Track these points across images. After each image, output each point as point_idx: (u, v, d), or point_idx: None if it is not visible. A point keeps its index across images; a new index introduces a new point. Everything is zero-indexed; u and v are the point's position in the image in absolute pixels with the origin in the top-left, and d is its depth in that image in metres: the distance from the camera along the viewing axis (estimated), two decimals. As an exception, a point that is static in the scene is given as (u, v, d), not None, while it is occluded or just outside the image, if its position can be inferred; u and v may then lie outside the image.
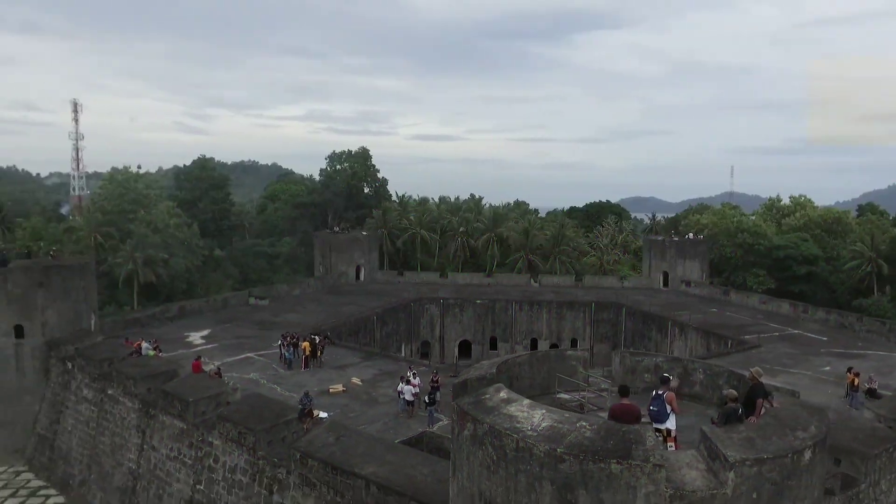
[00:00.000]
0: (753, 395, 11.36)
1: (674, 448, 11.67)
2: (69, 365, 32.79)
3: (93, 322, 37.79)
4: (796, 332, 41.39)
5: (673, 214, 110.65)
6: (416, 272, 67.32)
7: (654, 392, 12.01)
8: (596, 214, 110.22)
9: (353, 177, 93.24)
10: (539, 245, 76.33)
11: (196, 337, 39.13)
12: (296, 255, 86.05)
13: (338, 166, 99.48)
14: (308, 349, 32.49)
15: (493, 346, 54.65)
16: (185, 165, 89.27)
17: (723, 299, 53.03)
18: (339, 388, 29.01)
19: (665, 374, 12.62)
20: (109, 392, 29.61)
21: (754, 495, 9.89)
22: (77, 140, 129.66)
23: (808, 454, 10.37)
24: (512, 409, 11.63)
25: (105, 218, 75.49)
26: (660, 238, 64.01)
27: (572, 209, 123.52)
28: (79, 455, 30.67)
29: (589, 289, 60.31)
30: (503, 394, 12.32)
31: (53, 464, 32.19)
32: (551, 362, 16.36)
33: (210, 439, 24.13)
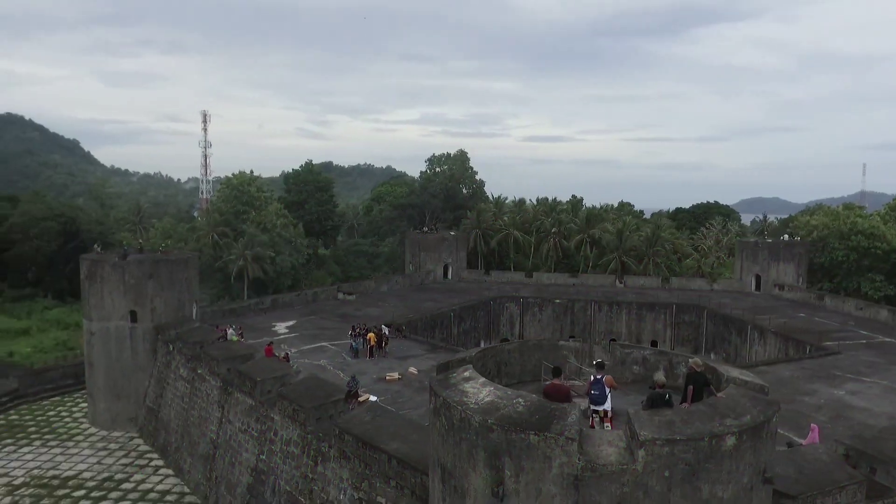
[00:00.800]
0: (689, 383, 11.85)
1: (610, 428, 12.39)
2: (170, 347, 37.23)
3: (194, 310, 42.37)
4: (888, 340, 38.47)
5: (791, 215, 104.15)
6: (501, 271, 68.49)
7: (592, 377, 12.76)
8: (703, 216, 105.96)
9: (450, 178, 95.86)
10: (632, 247, 74.98)
11: (281, 327, 42.76)
12: (395, 254, 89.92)
13: (437, 169, 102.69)
14: (373, 340, 34.86)
15: (572, 345, 54.64)
16: (293, 170, 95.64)
17: (816, 304, 49.83)
18: (396, 375, 31.00)
19: (601, 360, 13.32)
20: (199, 371, 33.45)
21: (666, 473, 10.53)
22: (205, 148, 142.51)
23: (730, 440, 10.82)
24: (467, 386, 12.89)
25: (221, 218, 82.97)
26: (752, 240, 60.97)
27: (678, 210, 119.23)
28: (175, 425, 34.84)
29: (675, 291, 58.70)
30: (467, 373, 13.57)
31: (157, 432, 36.70)
32: (543, 351, 17.27)
33: (272, 415, 26.92)
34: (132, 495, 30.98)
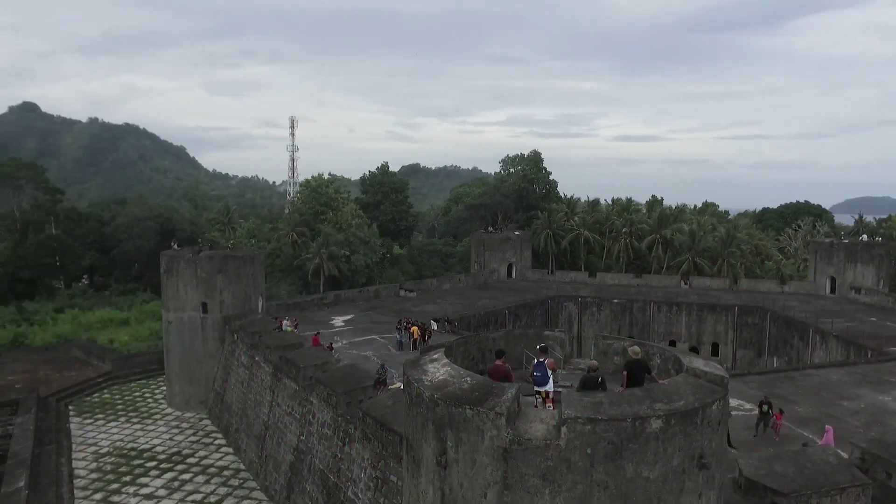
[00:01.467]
0: (626, 369, 12.41)
1: (552, 408, 13.08)
2: (235, 336, 40.32)
3: (260, 304, 45.50)
4: (964, 348, 35.75)
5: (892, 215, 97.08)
6: (565, 271, 68.35)
7: (535, 360, 13.48)
8: (791, 216, 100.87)
9: (522, 179, 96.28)
10: (706, 248, 72.72)
11: (339, 320, 45.11)
12: (468, 254, 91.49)
13: (511, 169, 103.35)
14: (417, 333, 36.32)
15: (631, 346, 53.92)
16: (369, 172, 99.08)
17: (893, 308, 46.59)
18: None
19: (544, 345, 13.99)
20: (256, 359, 36.17)
21: (588, 450, 11.19)
22: (293, 151, 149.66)
23: (656, 423, 11.31)
24: (430, 366, 14.00)
25: (301, 219, 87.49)
26: (827, 240, 57.60)
27: (764, 211, 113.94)
28: (236, 408, 37.78)
29: (742, 293, 56.56)
30: (436, 356, 14.65)
31: (222, 414, 39.87)
32: (528, 340, 18.01)
33: (311, 399, 28.96)
34: (195, 468, 34.02)
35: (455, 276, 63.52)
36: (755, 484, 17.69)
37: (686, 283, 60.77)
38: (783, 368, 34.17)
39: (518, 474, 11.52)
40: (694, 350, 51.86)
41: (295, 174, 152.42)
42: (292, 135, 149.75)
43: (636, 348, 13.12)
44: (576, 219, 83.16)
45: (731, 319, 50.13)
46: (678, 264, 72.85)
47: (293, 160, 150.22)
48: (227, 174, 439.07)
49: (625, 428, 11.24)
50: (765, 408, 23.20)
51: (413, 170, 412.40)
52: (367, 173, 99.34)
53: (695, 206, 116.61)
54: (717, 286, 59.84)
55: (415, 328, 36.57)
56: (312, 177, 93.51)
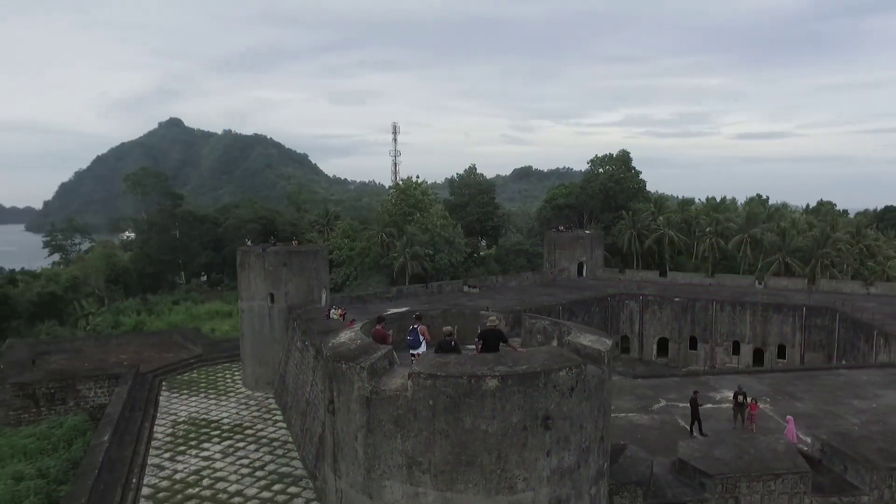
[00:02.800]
0: (480, 337, 13.97)
1: None
2: (294, 324, 44.36)
3: (324, 296, 49.41)
4: None
5: None
6: (636, 270, 67.37)
7: (410, 327, 15.18)
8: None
9: (609, 179, 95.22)
10: (798, 248, 68.81)
11: (391, 312, 48.00)
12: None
13: (600, 170, 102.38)
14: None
15: (693, 345, 52.56)
16: (457, 174, 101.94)
17: None
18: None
19: (418, 313, 15.62)
20: (305, 343, 39.83)
21: (431, 402, 12.92)
22: (395, 156, 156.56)
23: (492, 382, 12.79)
24: (342, 334, 16.23)
25: (390, 219, 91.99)
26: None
27: (886, 210, 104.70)
28: (291, 387, 41.71)
29: (824, 293, 53.16)
30: (357, 327, 16.86)
31: (282, 393, 44.04)
32: (465, 318, 19.60)
33: (335, 378, 31.89)
34: (250, 438, 38.17)
35: (522, 274, 64.71)
36: (686, 465, 18.28)
37: (761, 284, 58.07)
38: (809, 367, 32.82)
39: (377, 420, 13.48)
40: (759, 351, 49.92)
41: (397, 178, 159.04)
42: (394, 140, 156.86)
43: (493, 318, 14.66)
44: (660, 218, 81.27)
45: (798, 320, 47.60)
46: (767, 264, 69.49)
47: (395, 164, 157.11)
48: (345, 179, 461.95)
49: (461, 384, 12.86)
50: (739, 398, 23.14)
51: (525, 172, 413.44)
52: (455, 175, 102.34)
53: (808, 206, 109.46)
54: (794, 286, 56.70)
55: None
56: (401, 180, 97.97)
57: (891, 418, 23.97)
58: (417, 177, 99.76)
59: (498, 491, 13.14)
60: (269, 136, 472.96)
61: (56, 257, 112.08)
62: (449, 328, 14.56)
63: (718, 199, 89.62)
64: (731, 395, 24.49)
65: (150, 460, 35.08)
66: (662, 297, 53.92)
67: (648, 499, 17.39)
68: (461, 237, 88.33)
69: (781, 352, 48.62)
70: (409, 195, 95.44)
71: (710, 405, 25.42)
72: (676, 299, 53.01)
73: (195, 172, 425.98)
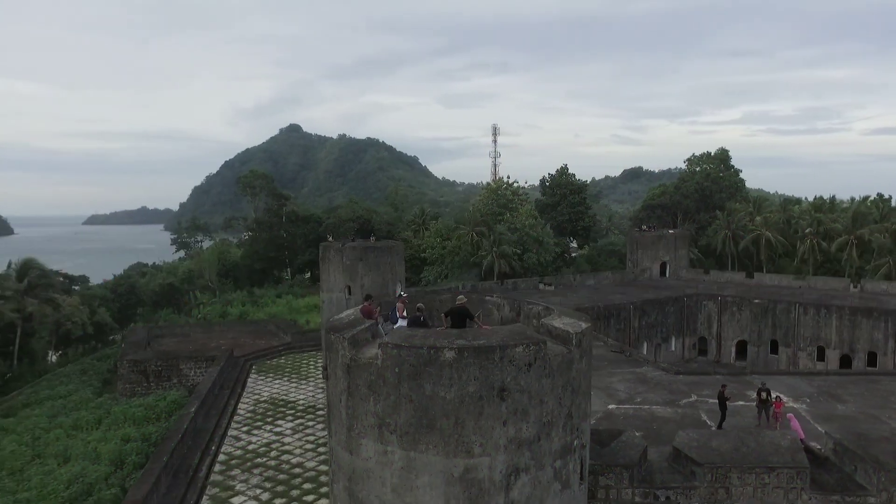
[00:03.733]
0: (447, 314, 15.33)
1: None
2: (366, 313, 47.15)
3: (398, 289, 51.93)
4: None
5: None
6: (720, 271, 64.79)
7: (394, 305, 16.65)
8: None
9: (705, 178, 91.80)
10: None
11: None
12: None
13: (697, 168, 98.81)
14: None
15: (774, 349, 49.98)
16: (549, 174, 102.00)
17: None
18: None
19: (401, 293, 16.98)
20: (371, 331, 42.39)
21: (397, 370, 14.48)
22: (495, 158, 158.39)
23: (449, 353, 14.17)
24: (345, 312, 18.14)
25: (481, 219, 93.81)
26: None
27: None
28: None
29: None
30: (356, 308, 18.72)
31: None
32: (472, 302, 20.81)
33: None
34: (319, 417, 41.31)
35: (602, 274, 64.23)
36: (680, 454, 18.68)
37: (856, 287, 54.13)
38: (867, 371, 30.92)
39: (355, 384, 15.26)
40: (846, 358, 47.02)
41: (495, 178, 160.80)
42: (494, 142, 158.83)
43: (462, 297, 15.90)
44: (757, 219, 77.48)
45: (892, 326, 44.16)
46: (876, 268, 64.53)
47: (495, 166, 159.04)
48: (454, 181, 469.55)
49: (422, 354, 14.35)
50: (763, 395, 22.75)
51: (634, 173, 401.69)
52: (547, 175, 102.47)
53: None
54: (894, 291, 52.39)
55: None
56: (492, 181, 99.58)
57: None
58: (508, 177, 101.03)
59: (456, 454, 14.50)
60: (381, 140, 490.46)
61: (182, 253, 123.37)
62: (421, 305, 16.06)
63: (827, 199, 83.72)
64: (763, 393, 24.01)
65: (230, 432, 39.02)
66: (741, 299, 51.81)
67: (635, 482, 17.97)
68: (550, 237, 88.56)
69: (872, 359, 45.30)
70: (500, 195, 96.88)
71: (741, 402, 25.06)
72: (756, 301, 50.77)
73: (312, 175, 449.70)
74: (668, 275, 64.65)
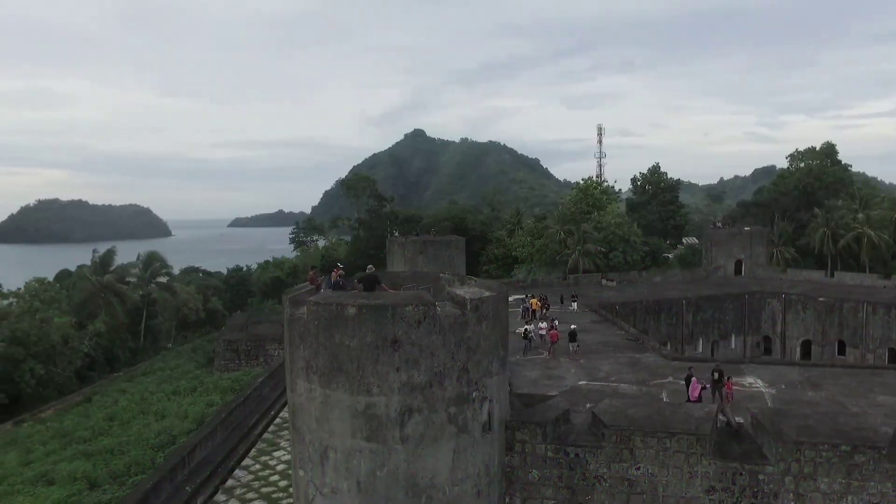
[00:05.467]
0: (359, 280, 18.65)
1: None
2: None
3: (458, 281, 55.36)
4: None
5: None
6: (799, 270, 61.73)
7: (357, 278, 20.06)
8: None
9: (807, 175, 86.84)
10: None
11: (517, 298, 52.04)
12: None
13: (801, 164, 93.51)
14: (535, 304, 41.69)
15: (842, 350, 47.46)
16: (640, 173, 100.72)
17: None
18: (532, 329, 37.34)
19: (337, 265, 20.29)
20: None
21: (316, 323, 18.05)
22: (600, 158, 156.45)
23: (351, 310, 17.54)
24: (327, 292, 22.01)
25: (569, 217, 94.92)
26: None
27: None
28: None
29: None
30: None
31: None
32: (430, 279, 23.78)
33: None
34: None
35: (670, 271, 63.72)
36: (595, 418, 20.78)
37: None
38: (878, 366, 29.88)
39: (294, 335, 19.07)
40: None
41: (603, 179, 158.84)
42: (599, 143, 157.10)
43: (371, 267, 19.16)
44: (859, 216, 72.54)
45: (964, 327, 40.94)
46: None
47: (601, 166, 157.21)
48: (576, 182, 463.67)
49: (332, 310, 17.87)
50: (715, 375, 23.77)
51: (767, 172, 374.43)
52: (639, 174, 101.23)
53: None
54: None
55: (534, 300, 42.07)
56: (581, 181, 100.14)
57: None
58: (598, 176, 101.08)
59: (359, 392, 17.86)
60: (502, 143, 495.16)
61: (299, 252, 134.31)
62: (339, 272, 19.55)
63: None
64: (753, 381, 24.95)
65: (291, 401, 44.42)
66: (806, 297, 49.83)
67: (548, 439, 20.29)
68: (638, 235, 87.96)
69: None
70: (589, 194, 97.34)
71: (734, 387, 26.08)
72: (821, 299, 48.65)
73: (435, 178, 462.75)
74: (743, 273, 62.84)
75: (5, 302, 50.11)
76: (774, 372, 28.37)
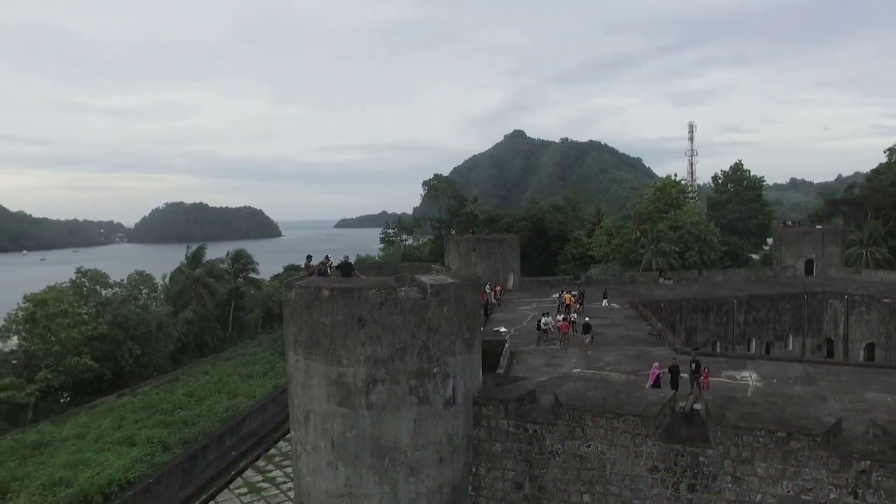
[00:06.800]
0: (338, 267, 21.45)
1: None
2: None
3: (511, 279, 57.34)
4: None
5: None
6: (875, 271, 58.06)
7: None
8: None
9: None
10: None
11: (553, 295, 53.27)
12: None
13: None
14: (569, 300, 42.97)
15: (907, 355, 44.72)
16: (721, 171, 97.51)
17: None
18: (549, 321, 38.95)
19: (326, 255, 23.07)
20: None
21: (301, 303, 21.14)
22: (691, 156, 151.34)
23: (325, 292, 20.47)
24: (314, 278, 25.22)
25: (645, 217, 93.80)
26: None
27: None
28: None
29: None
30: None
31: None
32: (422, 268, 26.19)
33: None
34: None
35: (735, 270, 62.15)
36: (557, 399, 22.60)
37: None
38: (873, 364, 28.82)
39: (287, 313, 22.32)
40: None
41: (693, 178, 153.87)
42: (690, 140, 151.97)
43: (347, 256, 21.91)
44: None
45: None
46: None
47: (691, 164, 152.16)
48: (680, 181, 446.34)
49: (311, 292, 20.90)
50: (693, 366, 24.58)
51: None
52: (720, 172, 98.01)
53: None
54: None
55: (567, 295, 43.38)
56: (690, 181, 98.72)
57: (876, 411, 22.24)
58: (676, 174, 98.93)
59: (332, 363, 20.76)
60: (603, 142, 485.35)
61: (383, 251, 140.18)
62: (327, 262, 22.51)
63: None
64: (747, 375, 25.61)
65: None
66: (871, 298, 47.40)
67: (510, 415, 22.30)
68: (715, 235, 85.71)
69: None
70: (666, 193, 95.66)
71: (723, 379, 26.88)
72: (885, 300, 46.17)
73: (534, 179, 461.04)
74: (815, 273, 60.23)
75: (111, 291, 57.52)
76: (778, 367, 28.51)
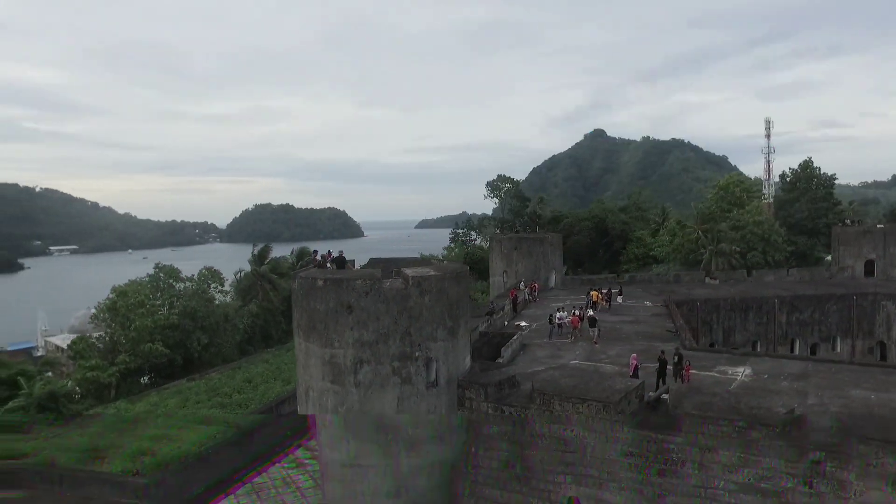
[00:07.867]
0: (331, 262, 24.01)
1: None
2: (508, 294, 55.06)
3: (552, 277, 58.51)
4: None
5: None
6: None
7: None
8: None
9: None
10: None
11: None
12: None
13: None
14: (596, 297, 43.90)
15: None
16: (790, 169, 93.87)
17: None
18: (567, 316, 39.93)
19: (329, 251, 25.55)
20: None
21: (301, 292, 23.89)
22: (768, 153, 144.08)
23: (320, 282, 23.11)
24: (314, 269, 28.02)
25: (708, 216, 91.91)
26: None
27: None
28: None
29: None
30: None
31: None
32: (399, 264, 28.30)
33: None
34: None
35: (782, 270, 60.52)
36: (534, 387, 24.30)
37: None
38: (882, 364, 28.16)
39: (294, 300, 25.15)
40: None
41: (771, 175, 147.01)
42: (767, 137, 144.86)
43: (341, 250, 24.41)
44: None
45: None
46: None
47: (769, 162, 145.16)
48: (767, 180, 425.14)
49: (309, 282, 23.65)
50: (675, 359, 25.54)
51: None
52: (788, 170, 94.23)
53: None
54: None
55: (594, 293, 44.34)
56: (766, 179, 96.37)
57: (852, 407, 22.43)
58: (766, 172, 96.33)
59: (325, 345, 23.40)
60: (686, 140, 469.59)
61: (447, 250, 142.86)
62: (327, 255, 25.14)
63: None
64: (737, 370, 26.35)
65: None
66: (922, 300, 45.40)
67: (489, 398, 24.18)
68: (780, 235, 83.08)
69: None
70: (730, 192, 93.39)
71: (706, 372, 27.64)
72: (934, 303, 44.17)
73: (615, 178, 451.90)
74: (876, 274, 57.74)
75: (183, 285, 63.10)
76: (776, 364, 28.84)
